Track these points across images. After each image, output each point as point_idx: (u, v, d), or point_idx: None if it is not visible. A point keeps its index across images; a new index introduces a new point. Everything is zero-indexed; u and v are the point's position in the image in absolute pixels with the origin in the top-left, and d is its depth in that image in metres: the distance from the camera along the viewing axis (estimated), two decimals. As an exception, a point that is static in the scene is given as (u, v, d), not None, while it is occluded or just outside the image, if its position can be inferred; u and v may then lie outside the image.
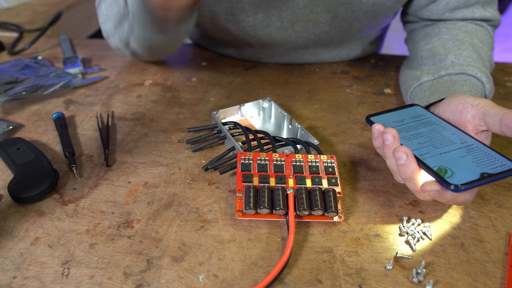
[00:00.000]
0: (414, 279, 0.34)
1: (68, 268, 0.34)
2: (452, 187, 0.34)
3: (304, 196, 0.38)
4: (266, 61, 0.71)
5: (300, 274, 0.34)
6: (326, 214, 0.38)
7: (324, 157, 0.43)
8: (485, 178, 0.34)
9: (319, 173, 0.41)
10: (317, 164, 0.42)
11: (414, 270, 0.34)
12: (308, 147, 0.46)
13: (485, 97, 0.50)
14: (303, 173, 0.41)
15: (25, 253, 0.36)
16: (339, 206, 0.40)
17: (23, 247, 0.36)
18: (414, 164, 0.37)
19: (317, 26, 0.60)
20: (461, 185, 0.34)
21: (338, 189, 0.40)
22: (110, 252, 0.36)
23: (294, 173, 0.41)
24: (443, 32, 0.60)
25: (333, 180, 0.41)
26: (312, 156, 0.43)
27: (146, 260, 0.35)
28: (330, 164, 0.42)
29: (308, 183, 0.40)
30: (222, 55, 0.74)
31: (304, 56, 0.70)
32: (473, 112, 0.41)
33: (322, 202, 0.38)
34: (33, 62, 0.67)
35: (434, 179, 0.36)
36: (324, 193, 0.39)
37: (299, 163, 0.42)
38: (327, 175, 0.41)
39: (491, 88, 0.50)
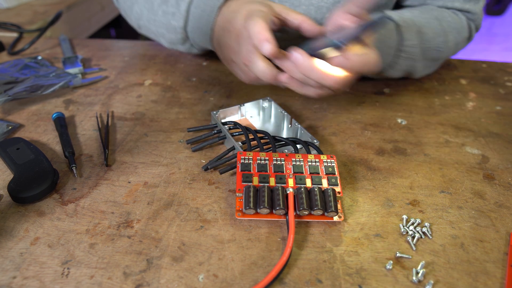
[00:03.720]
0: (414, 278, 0.34)
1: (68, 268, 0.34)
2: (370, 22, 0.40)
3: (304, 195, 0.38)
4: None
5: (300, 274, 0.34)
6: (326, 213, 0.38)
7: (324, 157, 0.43)
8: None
9: (319, 173, 0.41)
10: (317, 163, 0.42)
11: (414, 270, 0.34)
12: (308, 146, 0.46)
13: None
14: (303, 173, 0.41)
15: (25, 253, 0.36)
16: (339, 206, 0.40)
17: (23, 247, 0.36)
18: (304, 54, 0.41)
19: (319, 10, 0.61)
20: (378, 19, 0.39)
21: (338, 188, 0.40)
22: (110, 252, 0.36)
23: (294, 173, 0.41)
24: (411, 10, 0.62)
25: (333, 180, 0.41)
26: (312, 156, 0.43)
27: (146, 260, 0.35)
28: (330, 164, 0.42)
29: (308, 182, 0.40)
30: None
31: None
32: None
33: (322, 201, 0.38)
34: (33, 62, 0.67)
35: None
36: (324, 192, 0.39)
37: (299, 162, 0.42)
38: (327, 174, 0.41)
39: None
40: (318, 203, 0.38)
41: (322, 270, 0.35)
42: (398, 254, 0.36)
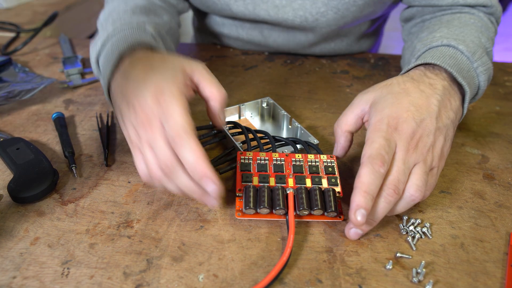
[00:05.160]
0: (414, 278, 0.34)
1: (67, 268, 0.34)
2: None
3: (304, 195, 0.38)
4: (262, 44, 0.74)
5: (300, 274, 0.34)
6: (326, 213, 0.38)
7: (324, 157, 0.43)
8: None
9: (319, 173, 0.41)
10: (317, 163, 0.42)
11: (414, 270, 0.34)
12: (308, 146, 0.46)
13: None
14: (303, 173, 0.41)
15: (25, 253, 0.36)
16: (338, 206, 0.40)
17: (22, 247, 0.36)
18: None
19: (314, 5, 0.62)
20: None
21: (338, 188, 0.40)
22: (110, 252, 0.36)
23: (294, 172, 0.41)
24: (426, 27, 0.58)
25: (333, 180, 0.41)
26: (312, 155, 0.43)
27: (146, 260, 0.35)
28: (330, 164, 0.42)
29: (308, 182, 0.40)
30: (219, 44, 0.74)
31: (299, 41, 0.71)
32: None
33: (322, 201, 0.38)
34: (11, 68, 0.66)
35: None
36: (324, 192, 0.39)
37: (299, 162, 0.42)
38: (327, 174, 0.41)
39: (468, 51, 0.46)
40: (318, 203, 0.38)
41: (322, 270, 0.35)
42: (398, 254, 0.36)
